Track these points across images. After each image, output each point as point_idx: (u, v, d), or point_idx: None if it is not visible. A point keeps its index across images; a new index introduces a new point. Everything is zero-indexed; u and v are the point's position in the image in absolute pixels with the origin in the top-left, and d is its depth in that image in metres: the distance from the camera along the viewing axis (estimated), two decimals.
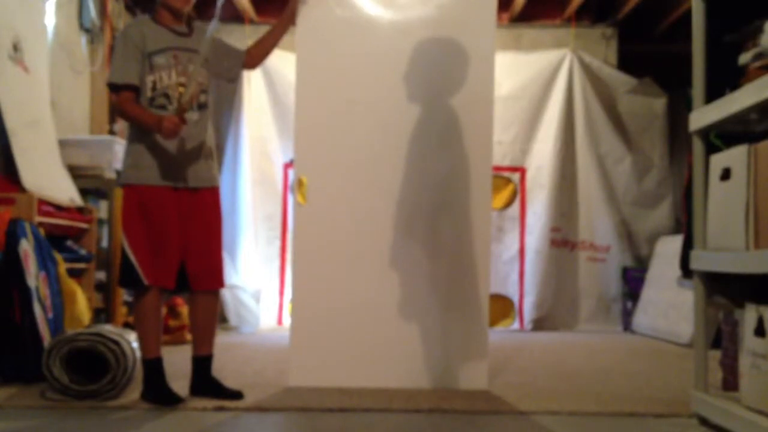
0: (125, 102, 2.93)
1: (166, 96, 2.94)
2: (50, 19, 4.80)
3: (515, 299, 6.28)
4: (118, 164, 4.75)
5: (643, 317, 5.98)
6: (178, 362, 3.45)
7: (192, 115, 3.00)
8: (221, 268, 3.12)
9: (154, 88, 2.93)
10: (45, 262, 3.56)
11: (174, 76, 2.96)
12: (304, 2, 3.38)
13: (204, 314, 3.10)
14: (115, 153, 4.76)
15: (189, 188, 3.00)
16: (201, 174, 3.03)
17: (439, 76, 3.42)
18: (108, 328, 3.20)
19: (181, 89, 2.85)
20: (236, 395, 3.03)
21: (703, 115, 2.66)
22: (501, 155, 6.21)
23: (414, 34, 3.43)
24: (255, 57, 3.32)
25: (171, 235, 2.94)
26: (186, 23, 3.09)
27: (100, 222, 4.83)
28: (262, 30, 3.54)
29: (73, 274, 4.15)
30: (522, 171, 6.35)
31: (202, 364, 3.09)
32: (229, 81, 3.35)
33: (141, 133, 2.93)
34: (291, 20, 3.37)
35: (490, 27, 3.43)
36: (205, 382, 3.07)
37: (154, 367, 2.95)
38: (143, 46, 2.93)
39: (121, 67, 2.93)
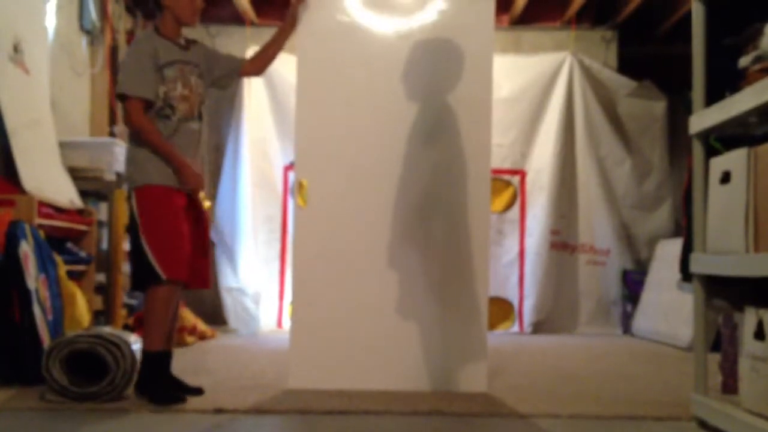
0: (140, 115, 2.97)
1: (171, 107, 3.01)
2: (51, 21, 4.81)
3: (515, 302, 6.28)
4: (119, 166, 4.76)
5: (642, 320, 5.98)
6: (178, 364, 3.44)
7: (193, 125, 3.10)
8: (210, 269, 3.25)
9: (164, 99, 3.00)
10: (45, 264, 3.56)
11: (179, 88, 3.04)
12: (305, 7, 3.39)
13: (175, 312, 3.17)
14: (115, 155, 4.75)
15: (190, 193, 3.09)
16: None
17: (439, 80, 3.43)
18: (107, 330, 3.20)
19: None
20: (198, 391, 3.09)
21: (702, 118, 2.66)
22: (501, 158, 6.21)
23: (414, 38, 3.44)
24: (258, 64, 3.39)
25: (186, 234, 3.02)
26: (184, 38, 3.18)
27: (100, 224, 4.82)
28: (263, 32, 3.57)
29: (73, 276, 4.15)
30: (522, 174, 6.35)
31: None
32: (220, 89, 3.41)
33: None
34: (293, 26, 3.40)
35: (488, 32, 3.45)
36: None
37: (157, 360, 2.96)
38: (156, 58, 2.99)
39: (135, 78, 2.98)
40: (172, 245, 2.96)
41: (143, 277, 2.99)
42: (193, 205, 3.12)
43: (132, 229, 3.01)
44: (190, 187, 3.01)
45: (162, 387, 2.96)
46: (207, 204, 3.07)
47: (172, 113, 3.01)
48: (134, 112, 2.97)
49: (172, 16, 3.07)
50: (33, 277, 3.40)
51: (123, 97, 3.01)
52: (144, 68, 2.97)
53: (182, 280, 3.01)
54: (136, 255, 3.00)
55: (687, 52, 2.83)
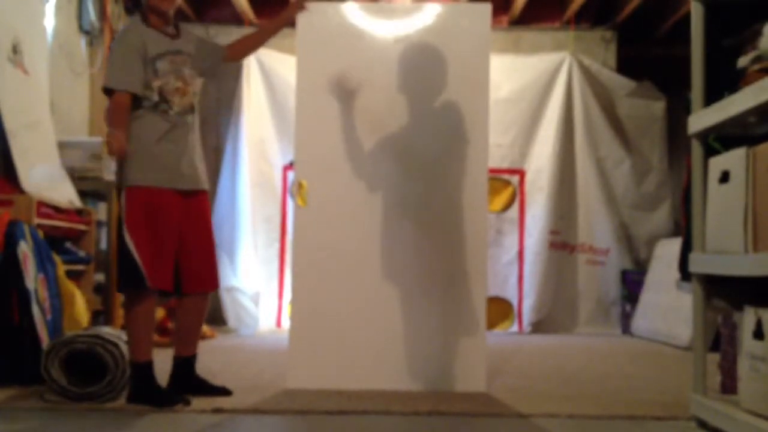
0: (119, 107, 2.90)
1: (167, 102, 2.97)
2: (50, 21, 4.81)
3: (514, 302, 6.28)
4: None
5: (642, 320, 5.98)
6: None
7: (188, 119, 3.04)
8: (216, 269, 3.17)
9: (160, 93, 2.95)
10: (44, 264, 3.56)
11: (173, 81, 2.99)
12: (303, 10, 3.39)
13: (195, 316, 3.16)
14: None
15: (186, 191, 3.04)
16: (197, 177, 3.08)
17: (437, 81, 3.44)
18: (106, 330, 3.20)
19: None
20: (224, 391, 3.09)
21: (701, 118, 2.67)
22: (500, 158, 6.21)
23: (411, 41, 3.45)
24: (240, 52, 3.34)
25: (171, 238, 2.96)
26: (173, 25, 3.11)
27: (99, 224, 4.82)
28: None
29: (72, 276, 4.15)
30: (521, 173, 6.35)
31: (188, 363, 3.13)
32: (208, 78, 3.34)
33: (148, 138, 2.93)
34: (283, 25, 3.39)
35: (485, 34, 3.47)
36: (191, 381, 3.12)
37: (147, 370, 2.94)
38: (145, 51, 2.93)
39: (121, 72, 2.92)
40: (154, 254, 2.89)
41: (127, 280, 2.92)
42: (192, 203, 3.06)
43: (118, 231, 2.95)
44: (108, 151, 2.84)
45: (156, 393, 2.92)
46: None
47: (169, 108, 2.96)
48: (116, 102, 2.89)
49: (150, 6, 2.99)
50: (32, 277, 3.40)
51: (109, 92, 2.93)
52: (130, 61, 2.90)
53: (165, 289, 2.98)
54: (121, 258, 2.94)
55: (686, 53, 2.83)
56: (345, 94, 3.42)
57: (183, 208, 3.02)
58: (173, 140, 2.98)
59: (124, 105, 2.91)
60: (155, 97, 2.94)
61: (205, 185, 3.14)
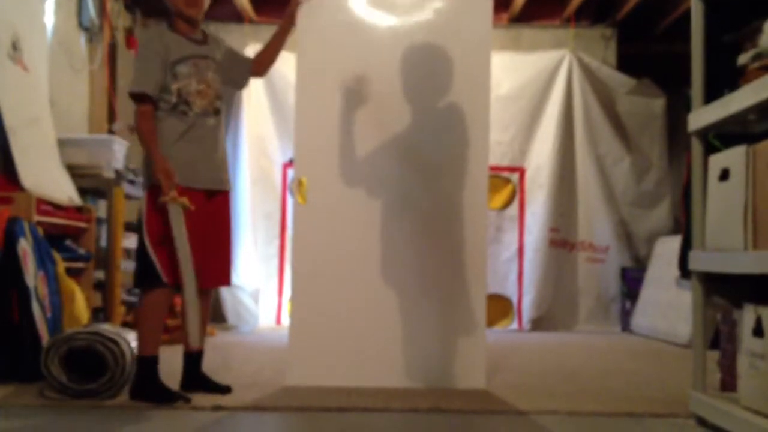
0: (145, 118, 2.95)
1: (187, 103, 3.01)
2: (49, 18, 4.80)
3: (514, 299, 6.29)
4: (117, 163, 4.76)
5: (641, 317, 5.98)
6: (176, 361, 3.44)
7: (210, 120, 3.08)
8: (230, 266, 3.22)
9: (179, 95, 2.99)
10: (43, 262, 3.56)
11: (194, 83, 3.03)
12: (303, 4, 3.39)
13: (202, 312, 3.15)
14: (113, 152, 4.75)
15: (207, 191, 3.08)
16: (218, 178, 3.13)
17: (437, 78, 3.44)
18: (106, 328, 3.21)
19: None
20: (224, 389, 3.10)
21: (701, 116, 2.67)
22: (500, 155, 6.21)
23: (412, 37, 3.45)
24: (262, 64, 3.40)
25: (189, 236, 2.98)
26: (201, 30, 3.17)
27: (99, 221, 4.82)
28: (262, 30, 3.57)
29: (72, 273, 4.14)
30: (521, 171, 6.35)
31: (194, 358, 3.16)
32: (237, 88, 3.44)
33: (166, 139, 2.97)
34: (291, 24, 3.41)
35: (485, 31, 3.46)
36: (195, 377, 3.14)
37: (152, 365, 2.95)
38: (166, 55, 2.99)
39: (140, 76, 2.98)
40: (171, 252, 2.92)
41: (144, 277, 2.98)
42: (212, 203, 3.10)
43: (138, 228, 3.02)
44: (156, 181, 2.89)
45: (157, 390, 2.93)
46: (184, 201, 2.94)
47: (189, 109, 3.00)
48: (140, 113, 2.96)
49: (178, 13, 3.07)
50: (32, 275, 3.40)
51: (135, 97, 2.99)
52: (146, 65, 2.97)
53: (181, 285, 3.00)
54: (140, 254, 3.00)
55: (686, 50, 2.83)
56: (354, 97, 3.42)
57: (200, 207, 3.03)
58: (191, 140, 3.02)
59: (150, 114, 2.97)
60: (173, 99, 2.99)
61: (227, 186, 3.19)
